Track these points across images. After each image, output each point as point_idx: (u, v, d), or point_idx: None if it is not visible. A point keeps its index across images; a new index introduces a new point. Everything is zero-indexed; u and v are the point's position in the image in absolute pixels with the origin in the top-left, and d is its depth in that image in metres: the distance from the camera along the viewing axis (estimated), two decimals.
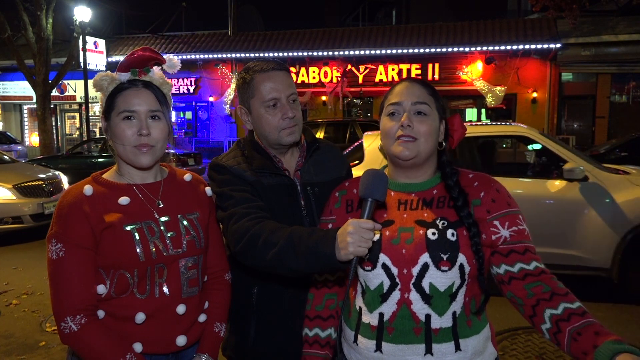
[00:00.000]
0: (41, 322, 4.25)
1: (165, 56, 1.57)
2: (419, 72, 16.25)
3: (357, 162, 5.22)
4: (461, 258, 1.28)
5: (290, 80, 1.66)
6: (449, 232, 1.30)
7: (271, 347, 1.65)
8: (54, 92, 17.17)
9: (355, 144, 5.87)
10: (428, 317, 1.28)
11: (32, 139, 20.32)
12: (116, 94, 1.45)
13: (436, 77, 16.20)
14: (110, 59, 18.13)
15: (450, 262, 1.27)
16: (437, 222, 1.32)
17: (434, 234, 1.30)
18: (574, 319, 1.17)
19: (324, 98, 17.38)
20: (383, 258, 1.31)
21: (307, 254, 1.31)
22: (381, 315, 1.31)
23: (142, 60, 1.49)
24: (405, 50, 16.18)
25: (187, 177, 1.63)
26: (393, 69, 16.57)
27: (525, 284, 1.26)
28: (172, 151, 11.96)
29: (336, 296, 1.52)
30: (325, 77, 17.15)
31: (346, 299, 1.42)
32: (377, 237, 1.31)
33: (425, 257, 1.28)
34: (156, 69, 1.52)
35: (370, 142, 5.31)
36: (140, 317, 1.41)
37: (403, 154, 1.35)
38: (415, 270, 1.28)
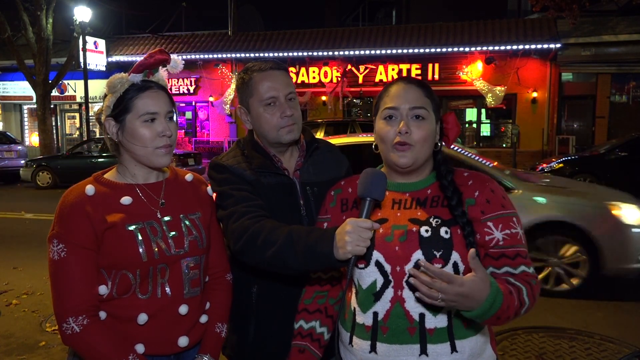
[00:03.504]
0: (41, 322, 4.25)
1: None
2: (419, 72, 16.24)
3: None
4: (455, 256, 1.28)
5: (288, 80, 1.67)
6: (443, 229, 1.29)
7: (270, 346, 1.66)
8: (54, 92, 17.17)
9: None
10: (422, 316, 1.27)
11: (32, 139, 20.31)
12: (132, 97, 1.43)
13: (436, 77, 16.19)
14: (110, 59, 18.13)
15: (444, 260, 1.27)
16: (431, 220, 1.32)
17: (427, 231, 1.29)
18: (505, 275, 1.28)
19: (324, 98, 17.37)
20: (376, 255, 1.31)
21: (306, 252, 1.32)
22: (375, 314, 1.31)
23: (159, 63, 1.49)
24: (405, 50, 16.17)
25: (189, 177, 1.63)
26: (393, 69, 16.57)
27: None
28: None
29: (327, 294, 1.52)
30: (325, 77, 17.14)
31: (343, 300, 1.42)
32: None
33: (418, 254, 1.28)
34: (162, 70, 1.52)
35: None
36: (142, 317, 1.41)
37: (401, 162, 1.35)
38: (408, 268, 1.28)
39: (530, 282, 1.26)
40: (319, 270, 1.47)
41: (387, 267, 1.30)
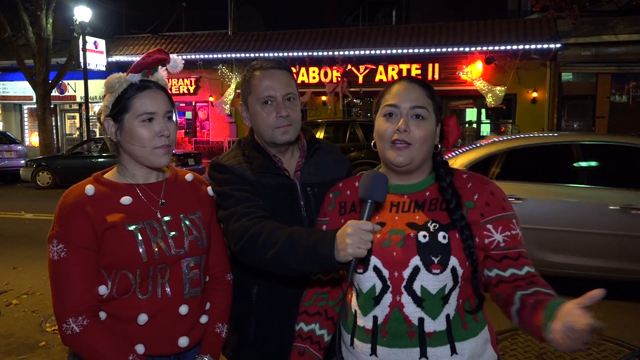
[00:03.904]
0: (41, 322, 4.25)
1: None
2: (419, 72, 16.23)
3: None
4: (453, 261, 1.27)
5: (289, 80, 1.66)
6: (440, 234, 1.29)
7: (270, 347, 1.66)
8: (54, 92, 17.16)
9: None
10: (421, 320, 1.27)
11: (32, 139, 20.30)
12: (131, 96, 1.43)
13: (436, 77, 16.18)
14: (110, 59, 18.12)
15: (442, 265, 1.26)
16: (429, 224, 1.31)
17: (424, 236, 1.29)
18: (538, 294, 1.19)
19: (324, 98, 17.37)
20: (374, 261, 1.30)
21: (306, 254, 1.31)
22: (375, 318, 1.31)
23: (157, 63, 1.48)
24: (405, 50, 16.17)
25: (189, 177, 1.62)
26: (393, 69, 16.56)
27: (512, 286, 1.26)
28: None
29: (327, 295, 1.52)
30: (325, 77, 17.14)
31: (344, 302, 1.41)
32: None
33: (415, 260, 1.27)
34: (161, 69, 1.52)
35: None
36: (142, 318, 1.41)
37: (397, 160, 1.34)
38: (406, 273, 1.28)
39: (548, 284, 1.25)
40: (319, 272, 1.47)
41: (385, 273, 1.30)
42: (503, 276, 1.29)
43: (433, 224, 1.31)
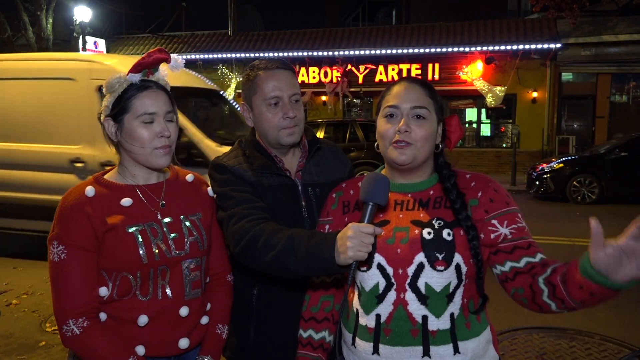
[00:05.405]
0: (41, 322, 4.25)
1: None
2: (419, 72, 16.24)
3: None
4: (457, 258, 1.27)
5: (294, 81, 1.65)
6: (445, 231, 1.29)
7: (271, 348, 1.65)
8: None
9: None
10: (425, 318, 1.27)
11: None
12: (131, 96, 1.42)
13: (436, 77, 16.19)
14: None
15: (446, 262, 1.27)
16: (433, 222, 1.31)
17: (429, 233, 1.29)
18: (559, 269, 1.18)
19: (324, 98, 17.37)
20: (378, 258, 1.31)
21: (307, 257, 1.31)
22: (378, 316, 1.31)
23: (157, 62, 1.47)
24: (405, 50, 16.17)
25: (190, 177, 1.62)
26: (393, 69, 16.56)
27: (531, 275, 1.24)
28: None
29: (332, 298, 1.51)
30: (325, 77, 17.15)
31: (344, 302, 1.41)
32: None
33: (420, 257, 1.27)
34: (162, 69, 1.51)
35: None
36: (143, 319, 1.40)
37: (399, 159, 1.34)
38: (411, 270, 1.28)
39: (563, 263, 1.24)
40: (319, 275, 1.46)
41: (389, 270, 1.29)
42: (518, 267, 1.28)
43: (437, 221, 1.31)
